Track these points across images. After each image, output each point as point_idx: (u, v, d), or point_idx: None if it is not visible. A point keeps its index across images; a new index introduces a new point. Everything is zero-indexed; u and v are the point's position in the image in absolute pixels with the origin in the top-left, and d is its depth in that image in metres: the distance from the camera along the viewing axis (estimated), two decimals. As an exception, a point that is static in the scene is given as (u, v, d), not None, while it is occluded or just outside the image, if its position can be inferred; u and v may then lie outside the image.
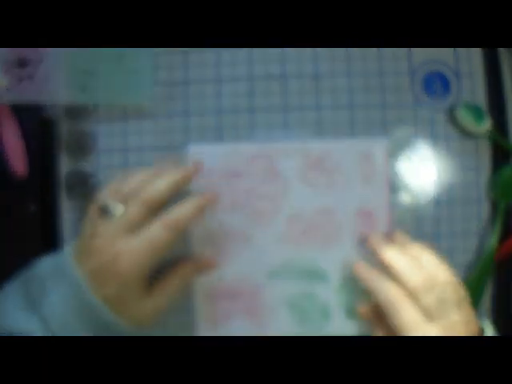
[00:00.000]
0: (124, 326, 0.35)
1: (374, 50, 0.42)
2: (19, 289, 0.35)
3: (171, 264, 0.39)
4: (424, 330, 0.34)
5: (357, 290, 0.41)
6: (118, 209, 0.36)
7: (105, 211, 0.36)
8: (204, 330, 0.41)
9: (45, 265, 0.36)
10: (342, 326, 0.41)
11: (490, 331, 0.36)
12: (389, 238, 0.41)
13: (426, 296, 0.35)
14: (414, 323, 0.34)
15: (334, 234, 0.41)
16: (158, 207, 0.36)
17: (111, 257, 0.34)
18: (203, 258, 0.40)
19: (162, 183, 0.37)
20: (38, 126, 0.44)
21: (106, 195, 0.38)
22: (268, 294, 0.41)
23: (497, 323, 0.42)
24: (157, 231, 0.35)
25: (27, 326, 0.33)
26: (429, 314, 0.34)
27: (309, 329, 0.41)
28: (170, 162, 0.40)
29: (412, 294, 0.35)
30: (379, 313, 0.38)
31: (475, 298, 0.42)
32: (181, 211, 0.37)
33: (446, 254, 0.42)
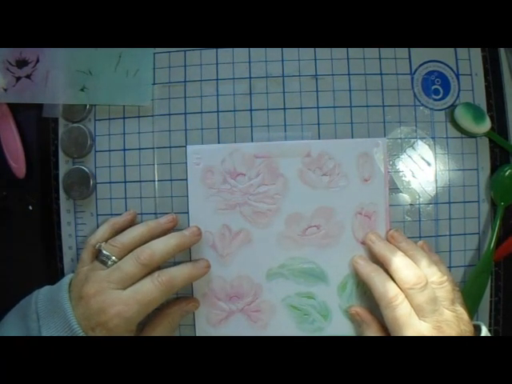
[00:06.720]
0: None
1: (374, 49, 0.42)
2: (17, 320, 0.36)
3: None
4: (415, 326, 0.35)
5: (356, 291, 0.41)
6: (113, 260, 0.37)
7: (99, 259, 0.37)
8: (204, 330, 0.41)
9: (42, 298, 0.36)
10: (341, 326, 0.41)
11: (484, 331, 0.36)
12: (387, 236, 0.41)
13: (418, 295, 0.35)
14: (406, 319, 0.35)
15: (333, 234, 0.41)
16: (153, 267, 0.37)
17: (100, 307, 0.34)
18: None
19: (160, 246, 0.37)
20: (38, 126, 0.44)
21: (101, 237, 0.38)
22: (268, 294, 0.41)
23: (496, 323, 0.43)
24: (149, 288, 0.35)
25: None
26: (420, 312, 0.35)
27: (308, 329, 0.41)
28: (170, 218, 0.40)
29: (405, 292, 0.36)
30: (370, 314, 0.40)
31: (474, 298, 0.42)
32: (176, 273, 0.37)
33: (446, 254, 0.42)
